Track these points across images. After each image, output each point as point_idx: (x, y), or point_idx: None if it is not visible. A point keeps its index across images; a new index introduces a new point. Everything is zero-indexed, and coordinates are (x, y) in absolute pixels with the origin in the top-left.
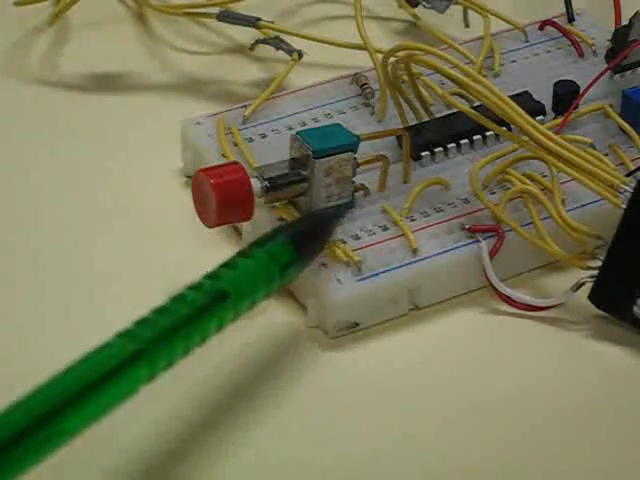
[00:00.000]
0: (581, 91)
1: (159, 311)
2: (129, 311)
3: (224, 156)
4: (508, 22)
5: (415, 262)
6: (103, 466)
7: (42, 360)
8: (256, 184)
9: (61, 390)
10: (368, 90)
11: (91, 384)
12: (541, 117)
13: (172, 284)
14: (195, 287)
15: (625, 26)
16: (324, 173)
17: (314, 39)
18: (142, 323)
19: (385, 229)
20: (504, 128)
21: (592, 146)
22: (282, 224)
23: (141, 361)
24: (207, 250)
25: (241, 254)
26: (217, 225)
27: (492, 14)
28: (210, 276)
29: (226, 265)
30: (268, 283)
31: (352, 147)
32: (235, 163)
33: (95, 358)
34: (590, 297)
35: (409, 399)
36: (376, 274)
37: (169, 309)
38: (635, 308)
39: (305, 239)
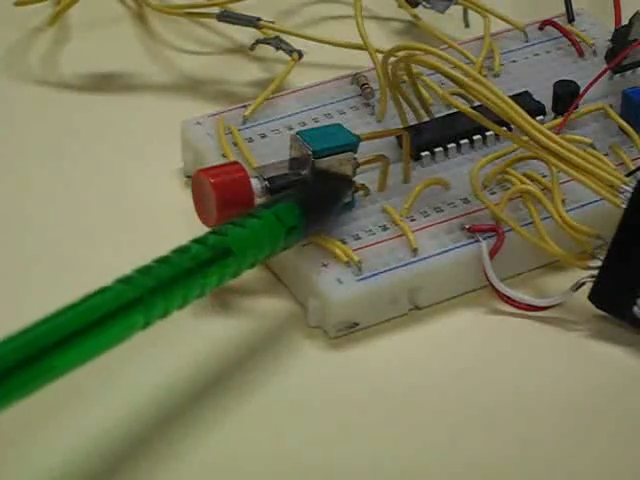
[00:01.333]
0: (581, 91)
1: (161, 261)
2: None
3: (224, 156)
4: (508, 22)
5: (415, 262)
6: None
7: None
8: (256, 184)
9: (55, 328)
10: (368, 90)
11: (85, 326)
12: (541, 117)
13: None
14: (200, 241)
15: (625, 26)
16: None
17: (314, 39)
18: (143, 271)
19: (385, 229)
20: (504, 128)
21: (592, 146)
22: (292, 189)
23: (138, 308)
24: None
25: (249, 214)
26: (217, 225)
27: (492, 14)
28: (216, 232)
29: (233, 223)
30: (273, 244)
31: (352, 147)
32: (235, 163)
33: (92, 301)
34: (590, 297)
35: (409, 399)
36: (376, 274)
37: (171, 260)
38: (635, 308)
39: (314, 205)
